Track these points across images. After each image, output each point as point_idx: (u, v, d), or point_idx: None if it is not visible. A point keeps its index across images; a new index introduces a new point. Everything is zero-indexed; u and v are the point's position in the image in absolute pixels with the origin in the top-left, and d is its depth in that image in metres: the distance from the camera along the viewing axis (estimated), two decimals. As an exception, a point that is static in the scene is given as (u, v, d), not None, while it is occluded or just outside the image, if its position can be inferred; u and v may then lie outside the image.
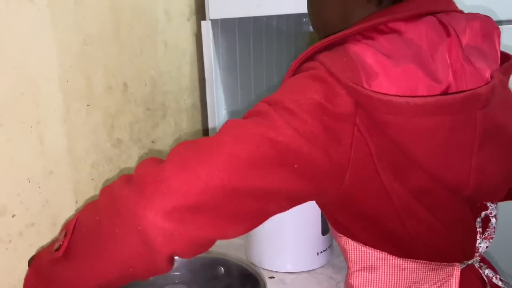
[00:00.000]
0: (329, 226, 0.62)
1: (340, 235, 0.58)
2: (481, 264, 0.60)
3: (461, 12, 0.56)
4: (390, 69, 0.47)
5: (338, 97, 0.47)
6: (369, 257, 0.56)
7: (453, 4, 0.58)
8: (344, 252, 0.59)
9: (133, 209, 0.45)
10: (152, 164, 0.48)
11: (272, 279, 0.75)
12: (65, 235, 0.51)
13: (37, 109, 0.72)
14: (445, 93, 0.47)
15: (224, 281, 0.60)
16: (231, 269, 0.60)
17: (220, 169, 0.45)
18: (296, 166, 0.46)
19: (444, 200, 0.53)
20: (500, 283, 0.60)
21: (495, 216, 0.60)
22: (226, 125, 0.49)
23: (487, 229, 0.60)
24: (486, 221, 0.59)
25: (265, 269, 0.77)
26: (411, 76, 0.47)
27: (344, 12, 0.58)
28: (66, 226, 0.53)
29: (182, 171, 0.45)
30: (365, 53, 0.48)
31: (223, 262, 0.61)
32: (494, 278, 0.60)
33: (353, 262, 0.57)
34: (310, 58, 0.52)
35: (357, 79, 0.46)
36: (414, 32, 0.50)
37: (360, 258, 0.57)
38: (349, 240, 0.56)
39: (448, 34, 0.50)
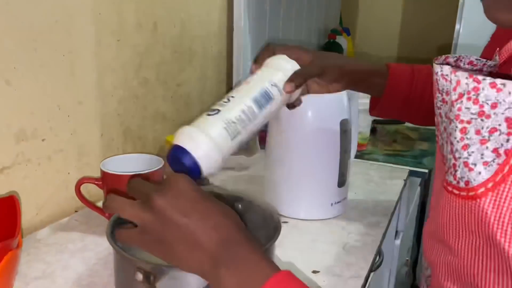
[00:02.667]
0: None
1: None
2: None
3: None
4: None
5: None
6: None
7: None
8: None
9: None
10: None
11: (286, 223, 0.77)
12: None
13: (70, 39, 0.73)
14: None
15: (241, 218, 0.62)
16: (249, 207, 0.62)
17: None
18: None
19: None
20: None
21: None
22: None
23: None
24: None
25: (279, 214, 0.79)
26: None
27: None
28: None
29: None
30: None
31: (240, 199, 0.63)
32: None
33: None
34: None
35: None
36: None
37: None
38: None
39: None
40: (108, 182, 0.70)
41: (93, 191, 0.82)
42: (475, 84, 0.42)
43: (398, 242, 1.14)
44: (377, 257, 0.74)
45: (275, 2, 1.35)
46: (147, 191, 0.42)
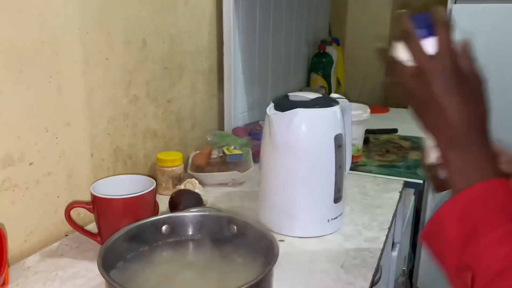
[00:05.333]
0: None
1: None
2: None
3: None
4: None
5: None
6: None
7: None
8: None
9: None
10: None
11: (282, 242, 0.76)
12: None
13: (57, 59, 0.72)
14: None
15: (236, 239, 0.61)
16: (244, 227, 0.60)
17: None
18: None
19: None
20: None
21: None
22: None
23: None
24: None
25: (274, 232, 0.78)
26: None
27: None
28: None
29: None
30: None
31: (235, 220, 0.62)
32: None
33: None
34: None
35: None
36: None
37: None
38: None
39: None
40: (99, 206, 0.68)
41: (83, 214, 0.80)
42: None
43: (395, 254, 1.12)
44: (376, 274, 0.72)
45: (264, 16, 1.35)
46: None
